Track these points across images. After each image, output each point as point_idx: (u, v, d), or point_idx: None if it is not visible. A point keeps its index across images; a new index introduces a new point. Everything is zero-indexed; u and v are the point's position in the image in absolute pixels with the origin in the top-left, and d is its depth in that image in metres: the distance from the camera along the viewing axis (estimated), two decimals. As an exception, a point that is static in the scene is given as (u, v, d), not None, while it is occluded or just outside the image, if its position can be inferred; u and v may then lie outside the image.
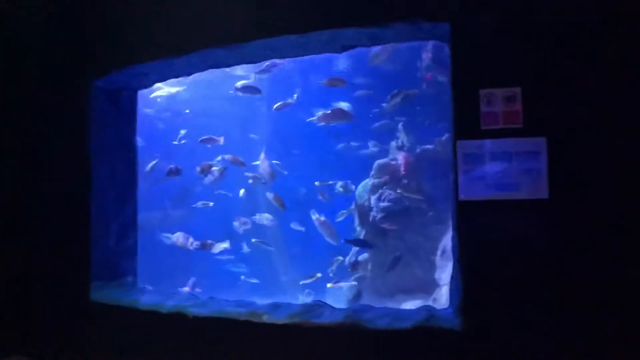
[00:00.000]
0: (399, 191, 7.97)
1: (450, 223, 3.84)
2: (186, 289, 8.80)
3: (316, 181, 9.43)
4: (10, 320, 4.59)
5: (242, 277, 10.38)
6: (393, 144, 8.96)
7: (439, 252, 7.45)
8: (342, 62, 10.23)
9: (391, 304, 6.97)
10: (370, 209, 8.40)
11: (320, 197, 9.35)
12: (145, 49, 4.07)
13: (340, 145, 11.09)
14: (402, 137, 8.74)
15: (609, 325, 2.69)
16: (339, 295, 8.13)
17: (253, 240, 9.77)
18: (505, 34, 2.92)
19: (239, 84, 8.43)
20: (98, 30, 4.37)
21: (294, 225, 10.25)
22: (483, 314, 2.92)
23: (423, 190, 8.01)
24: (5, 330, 4.55)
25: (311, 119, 7.69)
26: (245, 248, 10.40)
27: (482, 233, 2.93)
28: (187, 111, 11.66)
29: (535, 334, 2.80)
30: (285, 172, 10.23)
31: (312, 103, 8.28)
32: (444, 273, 7.00)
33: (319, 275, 8.48)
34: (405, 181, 8.17)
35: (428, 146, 8.37)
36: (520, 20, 2.90)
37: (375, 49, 8.22)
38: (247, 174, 9.19)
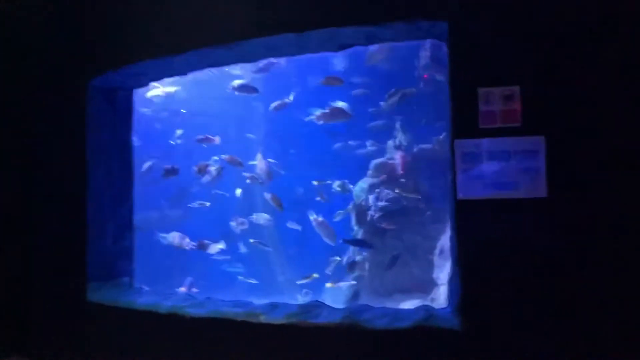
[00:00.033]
0: (397, 191, 7.96)
1: (448, 222, 3.84)
2: (183, 289, 8.77)
3: (314, 181, 9.41)
4: (9, 321, 4.57)
5: (240, 277, 10.35)
6: (390, 143, 8.96)
7: (436, 252, 7.45)
8: (339, 61, 10.22)
9: (389, 304, 6.96)
10: (367, 208, 8.40)
11: (318, 198, 9.33)
12: (142, 48, 4.05)
13: (338, 145, 11.08)
14: (400, 136, 8.74)
15: (608, 325, 2.68)
16: (337, 295, 8.12)
17: (251, 240, 9.75)
18: (503, 32, 2.92)
19: (236, 83, 8.40)
20: (95, 30, 4.35)
21: (291, 225, 10.23)
22: (482, 314, 2.91)
23: (421, 190, 8.01)
24: (4, 331, 4.53)
25: (310, 117, 7.67)
26: (243, 248, 10.37)
27: (481, 232, 2.92)
28: (184, 111, 11.62)
29: (535, 333, 2.80)
30: (283, 172, 10.21)
31: (309, 102, 8.25)
32: (442, 272, 7.00)
33: (315, 275, 8.48)
34: (402, 180, 8.16)
35: (426, 145, 8.37)
36: (519, 18, 2.89)
37: (373, 47, 8.21)
38: (244, 173, 9.17)
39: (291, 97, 8.79)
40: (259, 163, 9.08)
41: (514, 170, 2.87)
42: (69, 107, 4.46)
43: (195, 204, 10.04)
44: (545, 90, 2.82)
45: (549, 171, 2.80)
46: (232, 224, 9.79)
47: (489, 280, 2.89)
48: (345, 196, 9.03)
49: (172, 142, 10.52)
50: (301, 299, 8.87)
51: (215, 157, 9.01)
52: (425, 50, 8.59)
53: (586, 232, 2.74)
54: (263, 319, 3.47)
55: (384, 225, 8.03)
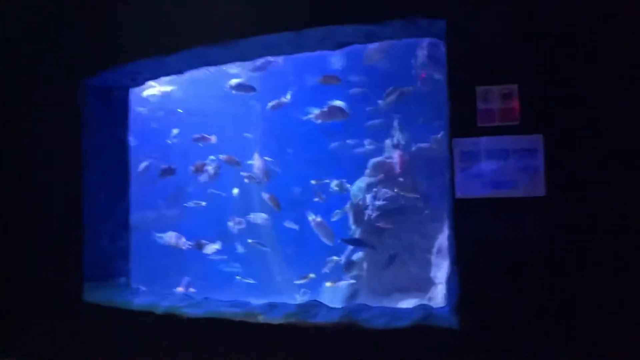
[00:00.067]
0: (395, 190, 7.96)
1: (446, 221, 3.83)
2: (180, 289, 8.75)
3: (312, 180, 9.40)
4: (5, 321, 4.55)
5: (238, 277, 10.33)
6: (388, 142, 8.95)
7: (434, 251, 7.45)
8: (336, 59, 10.20)
9: (387, 303, 6.96)
10: (365, 207, 8.39)
11: (316, 199, 9.32)
12: (137, 47, 4.02)
13: (335, 144, 11.06)
14: (398, 135, 8.74)
15: (607, 324, 2.67)
16: (335, 295, 8.11)
17: (249, 240, 9.73)
18: (502, 30, 2.90)
19: (233, 82, 8.38)
20: (91, 28, 4.31)
21: (288, 224, 10.21)
22: (481, 313, 2.90)
23: (419, 189, 8.02)
24: (3, 331, 4.51)
25: (308, 116, 7.66)
26: (240, 248, 10.35)
27: (479, 231, 2.91)
28: (180, 110, 11.59)
29: (533, 332, 2.79)
30: (279, 170, 10.19)
31: (306, 101, 8.25)
32: (440, 271, 7.00)
33: (312, 275, 8.47)
34: (400, 179, 8.16)
35: (423, 144, 8.37)
36: (518, 16, 2.88)
37: (371, 46, 8.20)
38: (242, 173, 9.15)
39: (288, 97, 8.77)
40: (257, 162, 9.07)
41: (513, 169, 2.85)
42: (64, 106, 4.42)
43: (191, 204, 10.00)
44: (544, 88, 2.81)
45: (548, 170, 2.78)
46: (230, 223, 9.77)
47: (487, 279, 2.88)
48: (343, 195, 9.02)
49: (168, 142, 10.48)
50: (299, 298, 8.86)
51: (212, 157, 9.00)
52: (423, 49, 8.58)
53: (585, 230, 2.73)
54: (261, 319, 3.45)
55: (381, 224, 8.03)
